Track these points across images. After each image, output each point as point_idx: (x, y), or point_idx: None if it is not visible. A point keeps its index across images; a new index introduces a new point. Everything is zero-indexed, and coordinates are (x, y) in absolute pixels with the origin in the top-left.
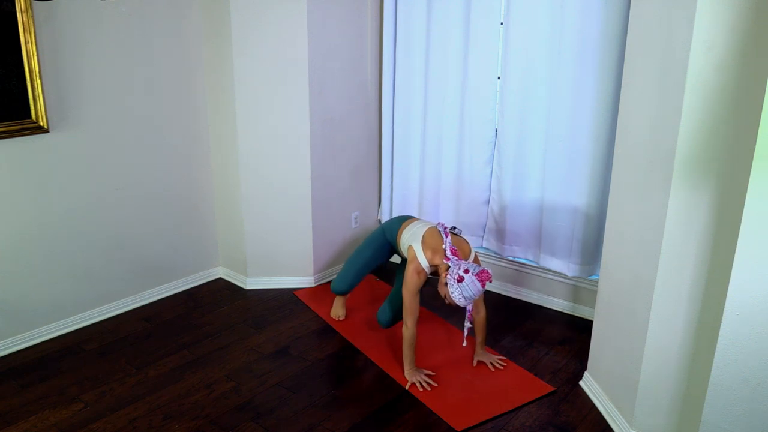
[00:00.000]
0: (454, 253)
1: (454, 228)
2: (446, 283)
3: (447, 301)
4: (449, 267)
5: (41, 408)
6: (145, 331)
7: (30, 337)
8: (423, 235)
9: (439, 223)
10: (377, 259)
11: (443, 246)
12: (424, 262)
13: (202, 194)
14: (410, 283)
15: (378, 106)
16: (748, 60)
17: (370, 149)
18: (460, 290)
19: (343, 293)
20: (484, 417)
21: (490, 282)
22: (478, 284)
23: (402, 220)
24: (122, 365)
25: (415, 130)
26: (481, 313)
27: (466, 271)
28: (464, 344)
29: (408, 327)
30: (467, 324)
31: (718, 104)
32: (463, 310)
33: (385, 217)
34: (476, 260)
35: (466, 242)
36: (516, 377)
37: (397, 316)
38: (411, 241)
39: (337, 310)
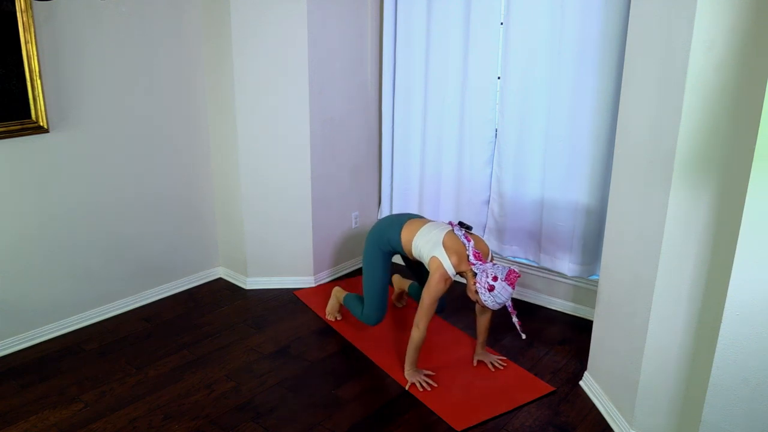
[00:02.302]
0: (477, 257)
1: (464, 224)
2: (477, 291)
3: (480, 305)
4: (476, 274)
5: (41, 408)
6: (145, 331)
7: (30, 337)
8: (443, 241)
9: (450, 223)
10: (388, 271)
11: (467, 251)
12: (450, 270)
13: (202, 194)
14: (434, 290)
15: (378, 106)
16: (748, 60)
17: (370, 149)
18: (493, 298)
19: (381, 321)
20: (484, 417)
21: (519, 277)
22: (509, 288)
23: (401, 222)
24: (122, 365)
25: (415, 130)
26: (487, 315)
27: (495, 278)
28: (524, 336)
29: (420, 329)
30: (515, 319)
31: (718, 104)
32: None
33: None
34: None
35: (483, 240)
36: (516, 377)
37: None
38: (433, 250)
39: (334, 310)
